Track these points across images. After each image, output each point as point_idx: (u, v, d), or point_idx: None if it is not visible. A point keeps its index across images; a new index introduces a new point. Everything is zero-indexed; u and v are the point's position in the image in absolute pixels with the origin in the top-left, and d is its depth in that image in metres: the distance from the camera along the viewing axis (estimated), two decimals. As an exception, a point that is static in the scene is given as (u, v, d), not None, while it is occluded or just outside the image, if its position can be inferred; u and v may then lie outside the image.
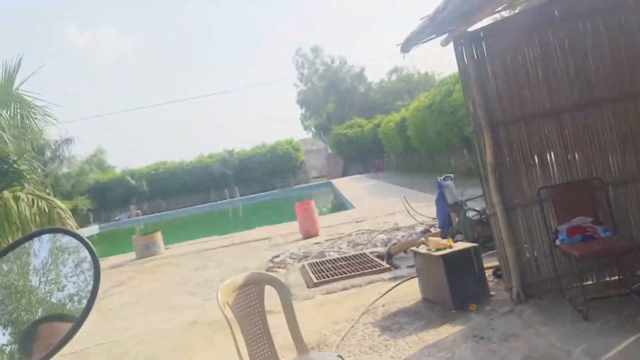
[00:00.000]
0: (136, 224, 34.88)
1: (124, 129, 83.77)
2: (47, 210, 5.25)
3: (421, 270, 5.34)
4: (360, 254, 8.01)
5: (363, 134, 40.79)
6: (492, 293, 4.96)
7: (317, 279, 6.92)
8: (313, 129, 70.59)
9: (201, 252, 11.96)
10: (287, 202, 30.55)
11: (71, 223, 5.36)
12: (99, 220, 39.67)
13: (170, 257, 12.20)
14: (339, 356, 2.95)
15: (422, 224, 9.77)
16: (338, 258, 8.01)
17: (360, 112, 56.88)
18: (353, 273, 6.89)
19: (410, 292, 5.67)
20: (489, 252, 6.01)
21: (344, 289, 6.39)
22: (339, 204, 22.48)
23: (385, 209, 13.54)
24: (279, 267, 8.53)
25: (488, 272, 5.50)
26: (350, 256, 7.98)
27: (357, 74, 65.62)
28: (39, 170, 6.37)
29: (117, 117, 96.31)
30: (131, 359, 5.29)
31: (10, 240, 5.39)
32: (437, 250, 4.99)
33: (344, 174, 40.96)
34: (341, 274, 6.96)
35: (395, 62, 62.87)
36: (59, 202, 5.41)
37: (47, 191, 6.02)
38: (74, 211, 36.62)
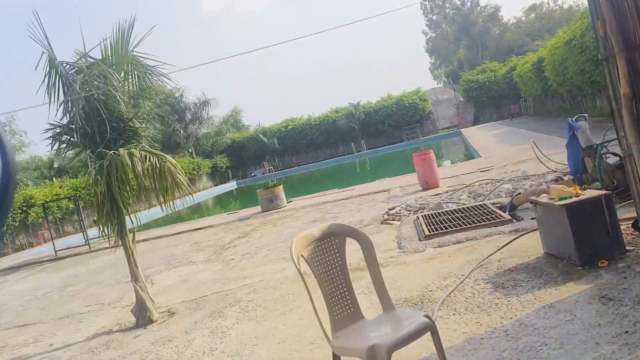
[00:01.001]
0: (269, 178, 36.62)
1: (257, 89, 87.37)
2: (158, 165, 5.46)
3: (543, 222, 4.72)
4: (479, 205, 7.41)
5: (496, 78, 38.06)
6: (628, 248, 4.22)
7: (430, 232, 6.53)
8: (443, 77, 67.70)
9: (320, 205, 12.06)
10: (413, 154, 29.81)
11: (181, 178, 5.54)
12: (236, 177, 42.30)
13: (292, 209, 12.48)
14: (426, 315, 2.63)
15: (555, 171, 8.79)
16: (455, 210, 7.50)
17: (494, 56, 53.14)
18: (469, 225, 6.38)
19: (531, 246, 5.07)
20: (630, 201, 5.15)
21: (458, 242, 5.95)
22: (467, 154, 21.34)
23: (515, 156, 12.48)
24: (393, 219, 8.24)
25: (627, 225, 4.71)
26: (468, 207, 7.42)
27: (490, 14, 61.10)
28: (156, 127, 6.65)
29: (250, 77, 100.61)
30: (242, 307, 5.43)
31: (129, 191, 5.75)
32: (560, 199, 4.34)
33: (476, 122, 38.79)
34: (456, 227, 6.49)
35: (534, -3, 57.19)
36: (169, 158, 5.60)
37: (155, 145, 6.26)
38: (214, 168, 39.42)
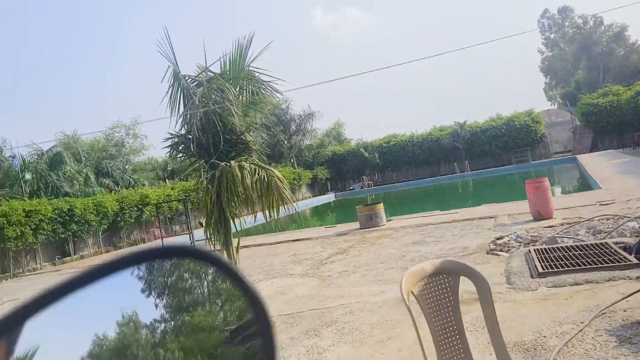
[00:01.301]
0: (367, 193, 36.53)
1: (361, 102, 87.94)
2: (266, 179, 5.56)
3: (683, 273, 4.15)
4: (600, 243, 6.74)
5: (619, 103, 35.07)
6: None
7: (543, 269, 6.04)
8: (559, 99, 63.93)
9: (421, 227, 11.72)
10: (523, 178, 28.29)
11: (287, 194, 5.60)
12: (335, 189, 42.68)
13: (391, 229, 12.25)
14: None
15: (693, 212, 7.82)
16: (572, 246, 6.89)
17: (617, 78, 49.29)
18: (589, 266, 5.81)
19: (666, 298, 4.49)
20: None
21: (576, 283, 5.43)
22: (583, 183, 19.80)
23: (642, 191, 11.33)
24: (500, 250, 7.76)
25: None
26: (587, 245, 6.78)
27: (615, 34, 56.86)
28: (264, 141, 6.79)
29: (354, 91, 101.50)
30: (338, 328, 5.34)
31: (237, 202, 5.90)
32: None
33: (593, 148, 35.99)
34: (574, 266, 5.94)
35: (669, 15, 52.38)
36: (277, 172, 5.69)
37: (264, 159, 6.38)
38: (314, 179, 40.09)
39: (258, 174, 5.56)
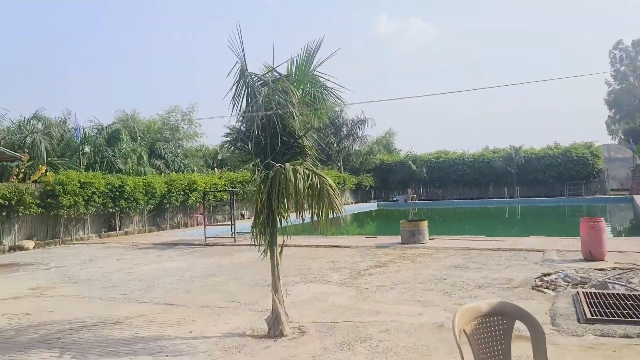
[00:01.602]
0: (410, 207, 36.13)
1: (415, 115, 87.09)
2: (318, 186, 5.56)
3: None
4: (657, 296, 6.42)
5: (689, 146, 33.42)
6: None
7: (592, 314, 5.80)
8: (621, 134, 61.38)
9: (464, 250, 11.48)
10: (574, 213, 27.34)
11: (338, 203, 5.57)
12: (378, 198, 42.43)
13: (432, 248, 12.06)
14: None
15: None
16: (625, 294, 6.58)
17: (689, 119, 46.85)
18: (643, 319, 5.53)
19: None
20: None
21: (626, 336, 5.18)
22: (638, 226, 18.93)
23: None
24: (547, 288, 7.50)
25: None
26: (642, 296, 6.47)
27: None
28: (320, 147, 6.81)
29: (408, 102, 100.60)
30: (372, 345, 5.29)
31: (286, 205, 5.93)
32: None
33: (653, 190, 34.38)
34: (625, 316, 5.67)
35: None
36: (330, 180, 5.67)
37: (318, 164, 6.39)
38: (359, 186, 39.99)
39: (311, 180, 5.56)
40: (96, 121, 27.53)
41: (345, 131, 41.46)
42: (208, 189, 23.73)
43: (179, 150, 31.61)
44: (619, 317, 5.69)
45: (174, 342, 5.70)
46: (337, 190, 5.75)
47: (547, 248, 11.11)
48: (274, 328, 5.83)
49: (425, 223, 13.11)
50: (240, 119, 6.39)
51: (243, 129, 6.38)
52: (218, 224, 21.67)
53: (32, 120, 24.78)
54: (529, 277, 8.32)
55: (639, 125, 52.70)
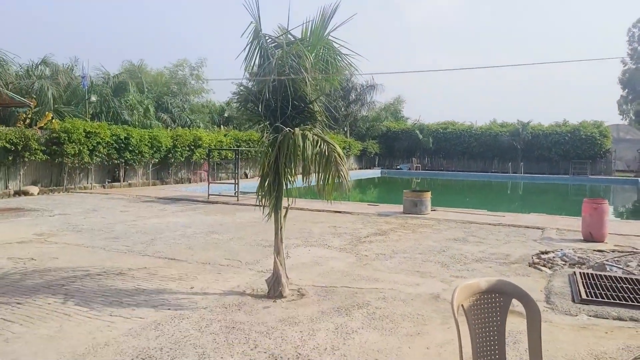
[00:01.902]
0: (414, 176, 36.17)
1: (425, 84, 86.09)
2: (326, 153, 5.56)
3: None
4: (653, 281, 6.49)
5: (699, 132, 33.09)
6: None
7: (587, 295, 5.89)
8: (632, 115, 60.61)
9: (465, 224, 11.56)
10: (578, 192, 27.37)
11: (345, 170, 5.59)
12: (382, 166, 42.44)
13: (434, 219, 12.14)
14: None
15: None
16: (621, 277, 6.66)
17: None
18: (636, 303, 5.62)
19: None
20: None
21: (619, 318, 5.27)
22: (641, 210, 18.96)
23: None
24: (544, 266, 7.58)
25: None
26: (638, 280, 6.54)
27: None
28: (328, 111, 6.76)
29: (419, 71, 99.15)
30: (369, 312, 5.40)
31: (293, 170, 5.94)
32: None
33: (659, 174, 34.29)
34: (620, 299, 5.76)
35: None
36: (338, 148, 5.68)
37: (327, 131, 6.38)
38: (363, 152, 39.94)
39: (320, 147, 5.56)
40: (103, 70, 27.33)
41: (354, 96, 41.13)
42: (213, 146, 23.76)
43: (185, 105, 31.44)
44: (613, 299, 5.77)
45: (176, 296, 5.83)
46: (345, 158, 5.76)
47: (547, 226, 11.17)
48: (274, 289, 5.95)
49: (429, 194, 13.15)
50: (252, 80, 6.35)
51: (254, 89, 6.34)
52: (221, 181, 21.78)
53: (40, 66, 24.61)
54: (527, 253, 8.41)
55: (652, 107, 52.05)
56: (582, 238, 9.73)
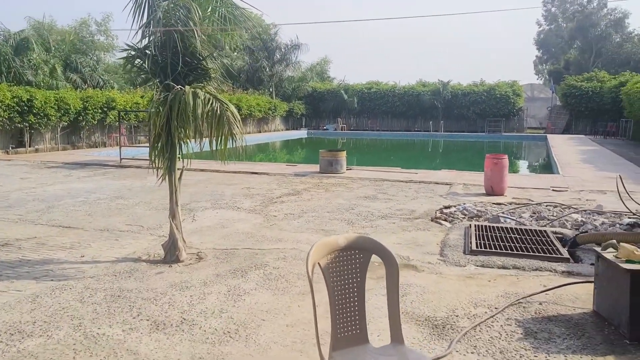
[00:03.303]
0: (340, 136, 36.42)
1: (349, 42, 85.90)
2: (218, 112, 5.34)
3: (601, 279, 4.26)
4: (540, 230, 6.89)
5: (601, 90, 35.22)
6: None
7: (477, 246, 6.15)
8: (546, 75, 63.70)
9: (378, 182, 11.75)
10: (491, 149, 28.57)
11: (237, 131, 5.40)
12: (309, 126, 42.35)
13: (348, 178, 12.26)
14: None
15: (636, 215, 8.01)
16: (512, 228, 7.01)
17: (607, 65, 49.29)
18: (521, 252, 5.93)
19: (581, 297, 4.64)
20: None
21: (503, 267, 5.55)
22: (545, 165, 20.13)
23: (596, 183, 11.55)
24: (445, 220, 7.86)
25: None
26: (527, 230, 6.92)
27: (616, 20, 56.07)
28: (224, 71, 6.49)
29: (345, 31, 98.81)
30: (266, 273, 5.35)
31: (186, 130, 5.69)
32: (628, 262, 3.87)
33: (566, 131, 36.45)
34: (507, 249, 6.06)
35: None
36: (232, 107, 5.47)
37: (222, 89, 6.13)
38: (290, 113, 39.60)
39: (211, 105, 5.33)
40: (2, 27, 25.06)
41: (278, 55, 40.33)
42: (129, 108, 22.63)
43: (98, 65, 29.61)
44: (500, 249, 6.07)
45: (62, 266, 5.52)
46: (238, 117, 5.56)
47: (455, 181, 11.59)
48: (170, 254, 5.77)
49: (344, 154, 13.23)
50: (141, 33, 5.95)
51: (141, 45, 5.95)
52: (139, 144, 20.88)
53: None
54: (431, 209, 8.67)
55: (563, 68, 54.84)
56: (485, 192, 10.17)
